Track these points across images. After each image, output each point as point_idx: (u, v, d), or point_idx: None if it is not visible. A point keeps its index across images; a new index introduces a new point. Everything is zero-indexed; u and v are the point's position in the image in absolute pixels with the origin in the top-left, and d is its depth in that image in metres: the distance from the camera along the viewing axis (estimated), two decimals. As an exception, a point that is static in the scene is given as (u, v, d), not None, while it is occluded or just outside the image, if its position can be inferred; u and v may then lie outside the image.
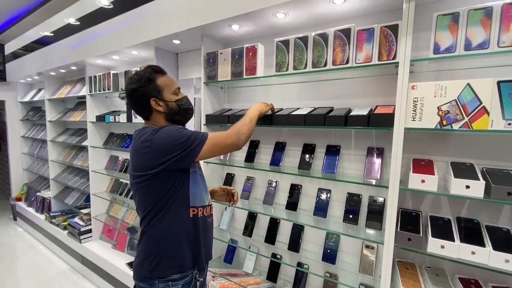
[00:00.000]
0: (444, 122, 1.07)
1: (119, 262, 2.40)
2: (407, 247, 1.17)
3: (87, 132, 2.86)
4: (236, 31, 1.67)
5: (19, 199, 4.17)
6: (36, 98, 3.79)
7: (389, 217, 1.19)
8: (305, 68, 1.36)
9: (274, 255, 1.80)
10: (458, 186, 1.07)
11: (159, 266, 1.05)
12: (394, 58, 1.15)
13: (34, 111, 4.14)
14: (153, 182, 1.02)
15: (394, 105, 1.22)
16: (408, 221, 1.25)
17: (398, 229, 1.19)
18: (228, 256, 2.03)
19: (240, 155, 1.94)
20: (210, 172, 1.94)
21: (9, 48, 3.88)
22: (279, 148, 1.74)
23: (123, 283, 2.27)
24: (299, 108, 1.58)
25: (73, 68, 2.98)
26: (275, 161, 1.71)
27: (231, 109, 1.89)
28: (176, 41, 1.92)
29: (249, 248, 1.91)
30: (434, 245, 1.11)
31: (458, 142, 1.23)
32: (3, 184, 5.21)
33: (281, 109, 1.65)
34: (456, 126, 1.05)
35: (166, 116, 1.11)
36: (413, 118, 1.12)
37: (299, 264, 1.67)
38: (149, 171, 1.00)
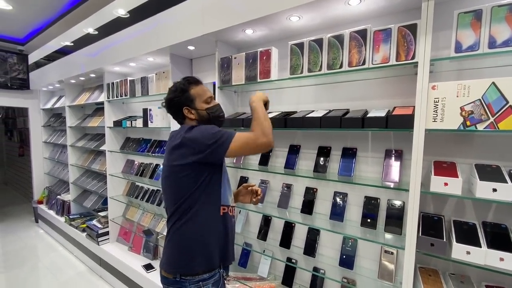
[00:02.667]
0: (468, 123, 1.03)
1: (135, 264, 2.44)
2: (430, 253, 1.13)
3: (104, 137, 2.95)
4: (250, 35, 1.69)
5: (40, 202, 4.33)
6: (57, 105, 3.95)
7: (410, 221, 1.15)
8: (320, 70, 1.36)
9: (289, 259, 1.78)
10: (484, 189, 1.02)
11: (192, 263, 1.08)
12: (413, 58, 1.12)
13: (55, 118, 4.32)
14: (187, 174, 1.07)
15: (413, 106, 1.19)
16: (430, 225, 1.21)
17: (420, 234, 1.15)
18: (242, 260, 2.02)
19: (254, 158, 1.94)
20: (225, 176, 1.95)
21: (32, 58, 4.08)
22: (294, 151, 1.73)
23: (139, 285, 2.31)
24: (313, 111, 1.56)
25: (92, 75, 3.09)
26: (290, 164, 1.69)
27: (244, 113, 1.90)
28: (191, 47, 1.96)
29: (264, 252, 1.90)
30: (459, 251, 1.06)
31: (482, 143, 1.18)
32: (26, 187, 5.44)
33: (295, 112, 1.64)
34: (481, 127, 1.01)
35: (197, 123, 1.18)
36: (434, 119, 1.09)
37: (315, 269, 1.65)
38: (184, 161, 1.06)
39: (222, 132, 1.06)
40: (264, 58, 1.55)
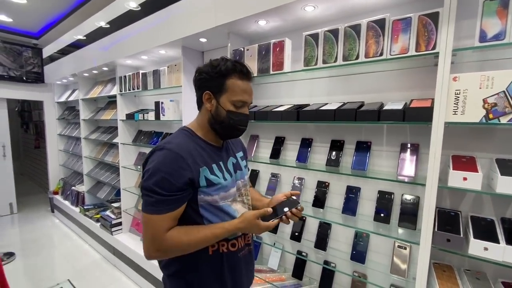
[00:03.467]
0: (491, 116, 0.99)
1: (148, 254, 2.49)
2: (446, 249, 1.11)
3: (117, 130, 3.00)
4: (263, 27, 1.67)
5: (56, 193, 4.47)
6: (71, 98, 4.04)
7: (426, 216, 1.13)
8: (335, 62, 1.33)
9: (299, 253, 1.78)
10: (505, 185, 0.99)
11: None
12: (433, 48, 1.08)
13: (69, 111, 4.41)
14: None
15: (432, 99, 1.16)
16: (447, 221, 1.18)
17: (436, 229, 1.13)
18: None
19: (265, 152, 1.94)
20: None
21: (46, 52, 4.16)
22: (306, 144, 1.72)
23: (151, 273, 2.37)
24: (327, 104, 1.54)
25: (105, 69, 3.13)
26: (301, 158, 1.68)
27: (256, 106, 1.89)
28: (203, 39, 1.95)
29: (274, 244, 1.91)
30: (477, 247, 1.04)
31: (504, 137, 1.14)
32: (42, 178, 5.62)
33: (308, 105, 1.62)
34: (504, 120, 0.97)
35: (210, 118, 0.95)
36: (455, 111, 1.06)
37: (326, 262, 1.65)
38: None
39: (150, 199, 0.82)
40: (277, 49, 1.53)
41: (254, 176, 2.01)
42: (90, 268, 2.89)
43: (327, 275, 1.66)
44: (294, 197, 1.00)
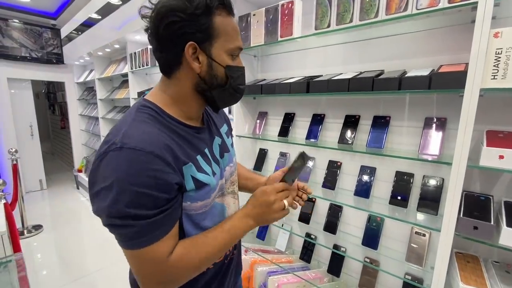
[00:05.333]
0: (541, 79, 0.81)
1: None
2: (472, 237, 0.96)
3: (130, 109, 3.01)
4: (271, -12, 1.50)
5: (80, 171, 4.70)
6: (88, 78, 4.12)
7: (450, 200, 0.98)
8: (351, 22, 1.15)
9: (308, 235, 1.70)
10: (554, 164, 0.82)
11: None
12: (471, -3, 0.88)
13: (88, 91, 4.53)
14: None
15: (466, 63, 0.97)
16: (475, 206, 1.03)
17: (461, 215, 0.99)
18: (261, 232, 1.99)
19: (274, 130, 1.82)
20: (242, 148, 1.87)
21: (64, 32, 4.22)
22: (317, 120, 1.58)
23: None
24: (341, 74, 1.38)
25: (116, 46, 3.11)
26: (312, 135, 1.55)
27: (264, 79, 1.76)
28: (208, 8, 1.82)
29: (282, 226, 1.84)
30: (510, 237, 0.89)
31: (556, 109, 0.94)
32: (69, 157, 5.94)
33: (320, 76, 1.47)
34: (560, 84, 0.78)
35: (197, 83, 0.64)
36: (494, 75, 0.87)
37: (336, 247, 1.55)
38: None
39: (129, 231, 0.53)
40: (286, 12, 1.37)
41: (262, 155, 1.92)
42: (110, 241, 3.02)
43: (337, 260, 1.57)
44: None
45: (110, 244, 2.94)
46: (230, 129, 0.86)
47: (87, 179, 4.25)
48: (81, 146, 4.83)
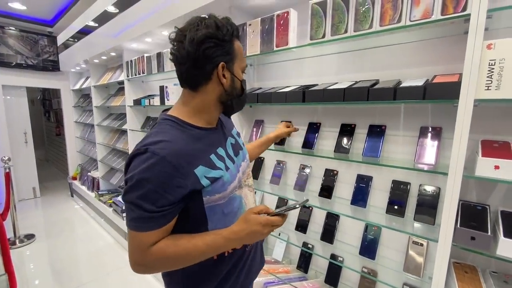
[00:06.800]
0: (534, 90, 0.81)
1: (155, 240, 2.50)
2: (469, 248, 0.96)
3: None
4: (266, -2, 1.52)
5: (74, 178, 4.64)
6: (84, 86, 4.10)
7: (447, 210, 0.97)
8: (345, 33, 1.16)
9: (305, 245, 1.68)
10: (549, 175, 0.82)
11: None
12: (463, 10, 0.90)
13: (84, 98, 4.50)
14: None
15: (459, 74, 0.98)
16: (471, 216, 1.02)
17: (458, 225, 0.98)
18: (258, 242, 1.96)
19: (270, 138, 1.82)
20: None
21: (60, 39, 4.21)
22: (313, 129, 1.58)
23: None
24: (336, 83, 1.39)
25: (113, 54, 3.11)
26: (308, 144, 1.55)
27: (260, 88, 1.76)
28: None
29: (279, 235, 1.82)
30: (507, 247, 0.89)
31: (549, 119, 0.95)
32: (63, 164, 5.87)
33: (316, 85, 1.47)
34: (552, 95, 0.79)
35: (223, 95, 0.78)
36: (488, 86, 0.88)
37: (333, 256, 1.53)
38: None
39: (132, 214, 0.67)
40: (282, 22, 1.38)
41: (258, 163, 1.91)
42: (104, 250, 2.97)
43: (334, 270, 1.55)
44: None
45: (104, 253, 2.89)
46: (237, 132, 1.01)
47: (82, 187, 4.20)
48: (76, 153, 4.78)
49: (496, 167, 0.90)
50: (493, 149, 0.98)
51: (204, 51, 0.71)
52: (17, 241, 3.05)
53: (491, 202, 1.08)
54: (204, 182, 0.71)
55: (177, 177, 0.67)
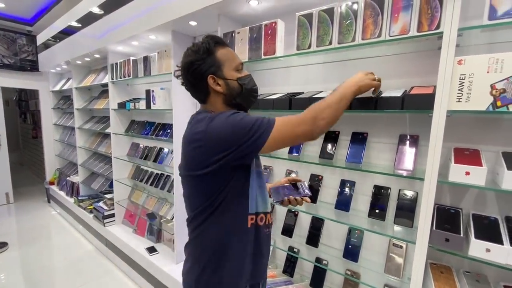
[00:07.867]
0: (499, 103, 0.89)
1: (139, 247, 2.45)
2: (444, 249, 1.02)
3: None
4: (255, 7, 1.55)
5: (52, 183, 4.44)
6: (65, 87, 3.96)
7: (423, 213, 1.04)
8: (330, 44, 1.22)
9: (291, 249, 1.71)
10: (512, 180, 0.90)
11: (211, 277, 0.89)
12: (437, 27, 0.97)
13: (64, 100, 4.34)
14: (206, 181, 0.84)
15: (434, 86, 1.05)
16: (446, 219, 1.09)
17: (434, 228, 1.04)
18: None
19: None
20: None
21: (40, 38, 4.06)
22: (299, 135, 1.62)
23: (142, 266, 2.32)
24: (321, 92, 1.44)
25: (97, 56, 3.04)
26: (294, 150, 1.59)
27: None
28: (193, 23, 1.84)
29: (266, 239, 1.83)
30: (478, 248, 0.95)
31: (512, 129, 1.04)
32: (40, 168, 5.60)
33: (302, 93, 1.52)
34: (514, 108, 0.87)
35: (225, 99, 0.91)
36: (459, 99, 0.95)
37: (318, 260, 1.57)
38: (203, 169, 0.82)
39: (257, 124, 0.79)
40: (269, 32, 1.42)
41: (246, 168, 1.92)
42: (83, 259, 2.85)
43: (319, 273, 1.59)
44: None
45: (82, 262, 2.78)
46: None
47: (60, 192, 4.02)
48: (54, 157, 4.58)
49: (467, 173, 0.97)
50: (464, 156, 1.06)
51: (192, 74, 0.88)
52: (-13, 250, 2.87)
53: (464, 206, 1.15)
54: None
55: None
